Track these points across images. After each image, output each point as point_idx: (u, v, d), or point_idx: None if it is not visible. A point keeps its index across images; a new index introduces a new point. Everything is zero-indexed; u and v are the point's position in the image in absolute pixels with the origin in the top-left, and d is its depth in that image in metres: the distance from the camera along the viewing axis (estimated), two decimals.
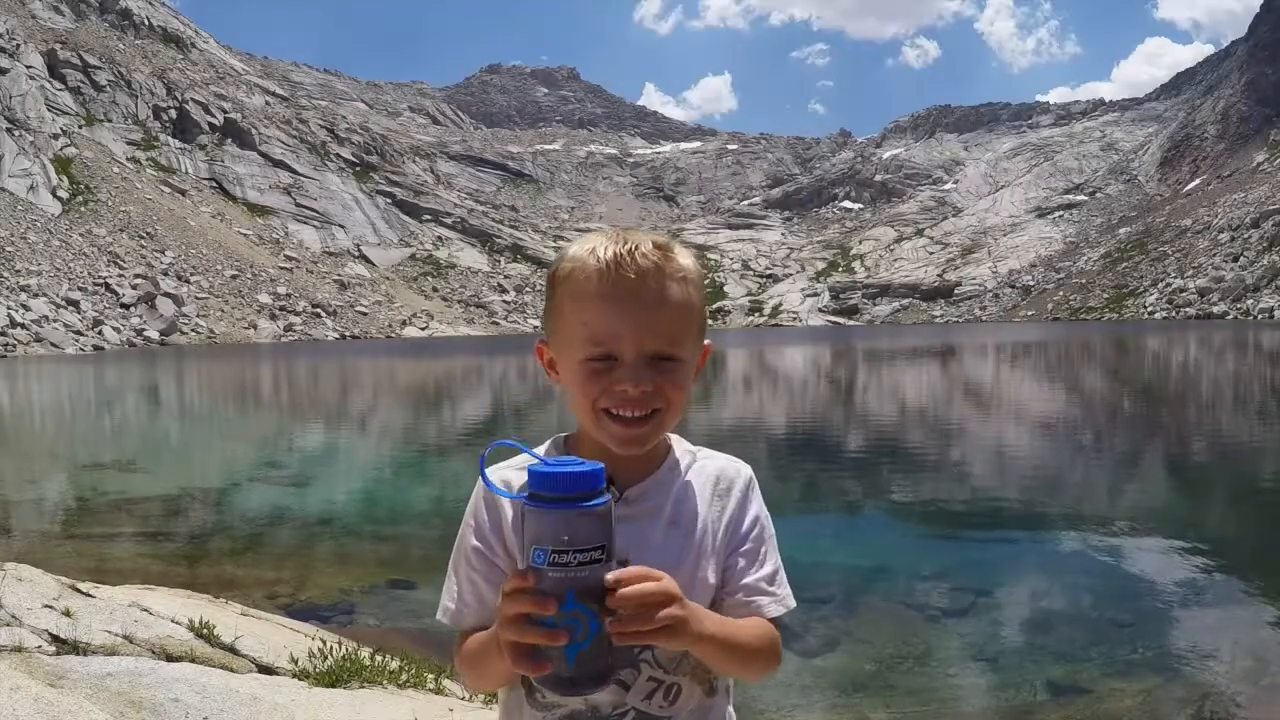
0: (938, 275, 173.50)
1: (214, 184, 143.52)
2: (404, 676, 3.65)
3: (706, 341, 1.20)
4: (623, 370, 1.09)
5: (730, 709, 1.24)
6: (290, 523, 8.93)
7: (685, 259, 1.14)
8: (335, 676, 3.49)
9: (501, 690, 1.21)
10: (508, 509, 1.16)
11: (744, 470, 1.24)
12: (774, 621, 1.18)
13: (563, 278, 1.13)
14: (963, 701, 4.47)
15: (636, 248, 1.10)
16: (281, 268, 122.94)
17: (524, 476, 1.05)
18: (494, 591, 1.14)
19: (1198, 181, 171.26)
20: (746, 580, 1.17)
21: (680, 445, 1.24)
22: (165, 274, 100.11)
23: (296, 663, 3.60)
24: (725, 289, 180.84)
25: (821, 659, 4.97)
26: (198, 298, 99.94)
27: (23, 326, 68.09)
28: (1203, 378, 26.36)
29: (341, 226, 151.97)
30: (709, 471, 1.21)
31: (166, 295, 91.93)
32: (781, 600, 1.19)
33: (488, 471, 1.13)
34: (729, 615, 1.14)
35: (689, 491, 1.19)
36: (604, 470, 0.98)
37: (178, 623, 3.85)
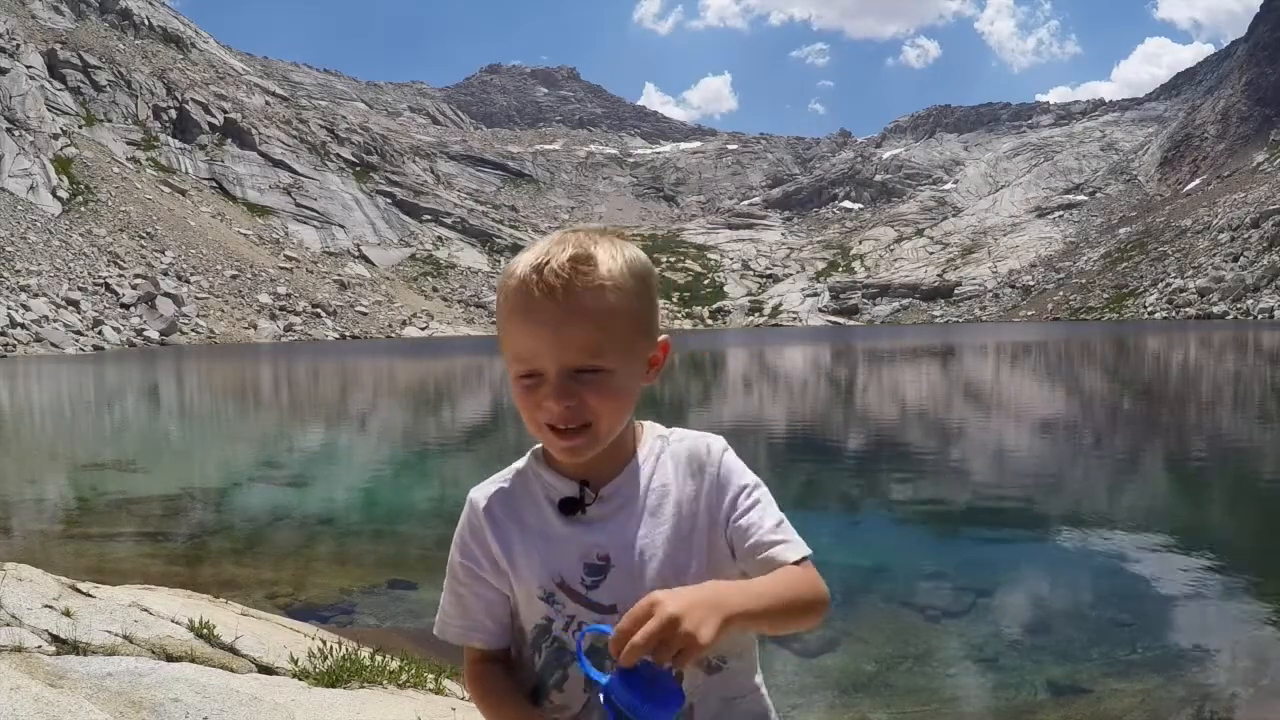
0: (938, 275, 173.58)
1: (214, 184, 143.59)
2: (404, 676, 3.65)
3: (663, 337, 1.19)
4: (547, 387, 1.11)
5: (757, 675, 1.24)
6: (290, 523, 8.93)
7: (607, 264, 1.11)
8: (335, 676, 3.49)
9: None
10: (493, 525, 1.20)
11: (715, 444, 1.24)
12: (807, 564, 1.16)
13: (497, 298, 1.16)
14: (963, 701, 4.47)
15: (548, 264, 1.09)
16: (281, 268, 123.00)
17: (504, 487, 1.20)
18: (480, 604, 1.21)
19: (1198, 181, 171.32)
20: (753, 540, 1.17)
21: (652, 432, 1.26)
22: (165, 274, 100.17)
23: (296, 663, 3.60)
24: (725, 289, 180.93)
25: (821, 659, 4.97)
26: (198, 298, 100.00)
27: (23, 326, 68.13)
28: (1203, 378, 26.35)
29: (341, 226, 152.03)
30: (681, 454, 1.23)
31: (166, 295, 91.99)
32: (795, 545, 1.16)
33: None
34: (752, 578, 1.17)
35: (662, 478, 1.21)
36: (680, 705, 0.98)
37: (178, 623, 3.85)
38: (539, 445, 1.24)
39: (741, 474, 1.21)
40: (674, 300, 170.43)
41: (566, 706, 1.16)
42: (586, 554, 1.16)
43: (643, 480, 1.20)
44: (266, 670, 3.62)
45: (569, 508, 1.17)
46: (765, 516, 1.18)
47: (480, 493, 1.23)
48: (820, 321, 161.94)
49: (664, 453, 1.23)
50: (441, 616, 1.25)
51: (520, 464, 1.25)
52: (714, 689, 1.18)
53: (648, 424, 1.27)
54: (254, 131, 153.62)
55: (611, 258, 1.12)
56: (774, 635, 1.21)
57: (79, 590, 4.21)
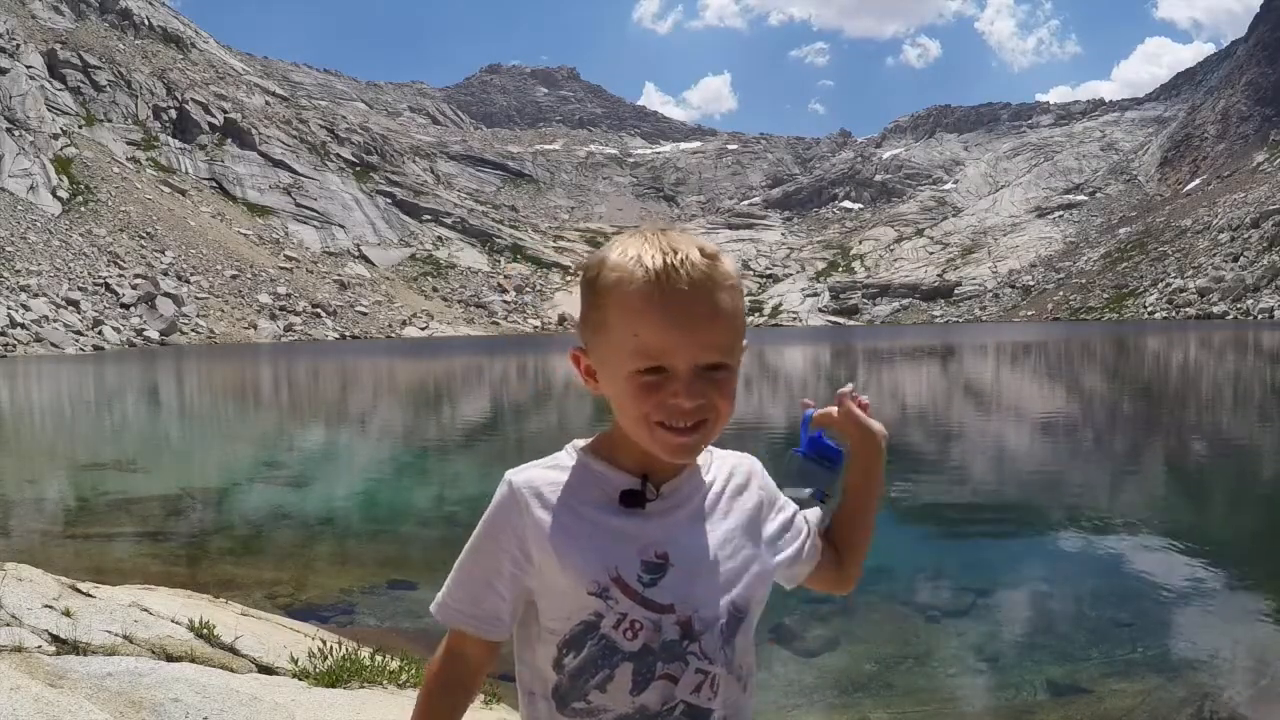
0: (938, 275, 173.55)
1: (214, 184, 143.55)
2: (404, 676, 3.66)
3: (744, 341, 1.21)
4: (677, 384, 1.10)
5: None
6: (290, 523, 8.92)
7: (730, 264, 1.14)
8: (335, 676, 3.49)
9: (523, 703, 1.21)
10: (537, 512, 1.16)
11: (756, 462, 1.31)
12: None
13: (608, 287, 1.11)
14: (963, 701, 4.48)
15: (687, 257, 1.09)
16: (281, 268, 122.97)
17: (551, 475, 1.18)
18: (490, 594, 1.17)
19: (1198, 181, 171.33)
20: (804, 538, 1.31)
21: None
22: (165, 274, 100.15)
23: (296, 663, 3.60)
24: None
25: (821, 659, 4.97)
26: (198, 298, 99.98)
27: (23, 326, 68.10)
28: (1203, 378, 26.36)
29: (341, 226, 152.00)
30: (725, 468, 1.27)
31: (166, 295, 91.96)
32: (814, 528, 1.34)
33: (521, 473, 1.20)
34: (804, 570, 1.32)
35: (718, 486, 1.24)
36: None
37: (178, 623, 3.85)
38: (584, 440, 1.23)
39: (781, 498, 1.32)
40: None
41: (606, 708, 1.13)
42: (644, 551, 1.15)
43: (701, 484, 1.22)
44: (266, 670, 3.62)
45: (631, 500, 1.16)
46: (801, 521, 1.32)
47: (522, 477, 1.18)
48: (820, 321, 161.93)
49: (714, 463, 1.26)
50: (444, 596, 1.21)
51: (564, 457, 1.22)
52: (745, 706, 1.21)
53: None
54: (254, 131, 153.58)
55: (727, 259, 1.15)
56: (858, 526, 1.37)
57: (79, 590, 4.21)
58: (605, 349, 1.14)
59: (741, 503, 1.25)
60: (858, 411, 1.33)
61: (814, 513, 1.34)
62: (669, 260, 1.09)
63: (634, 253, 1.11)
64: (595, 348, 1.16)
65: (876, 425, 1.33)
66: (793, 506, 1.31)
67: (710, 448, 1.26)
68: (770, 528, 1.27)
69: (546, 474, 1.19)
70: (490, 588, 1.17)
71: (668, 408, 1.10)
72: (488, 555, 1.18)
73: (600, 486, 1.18)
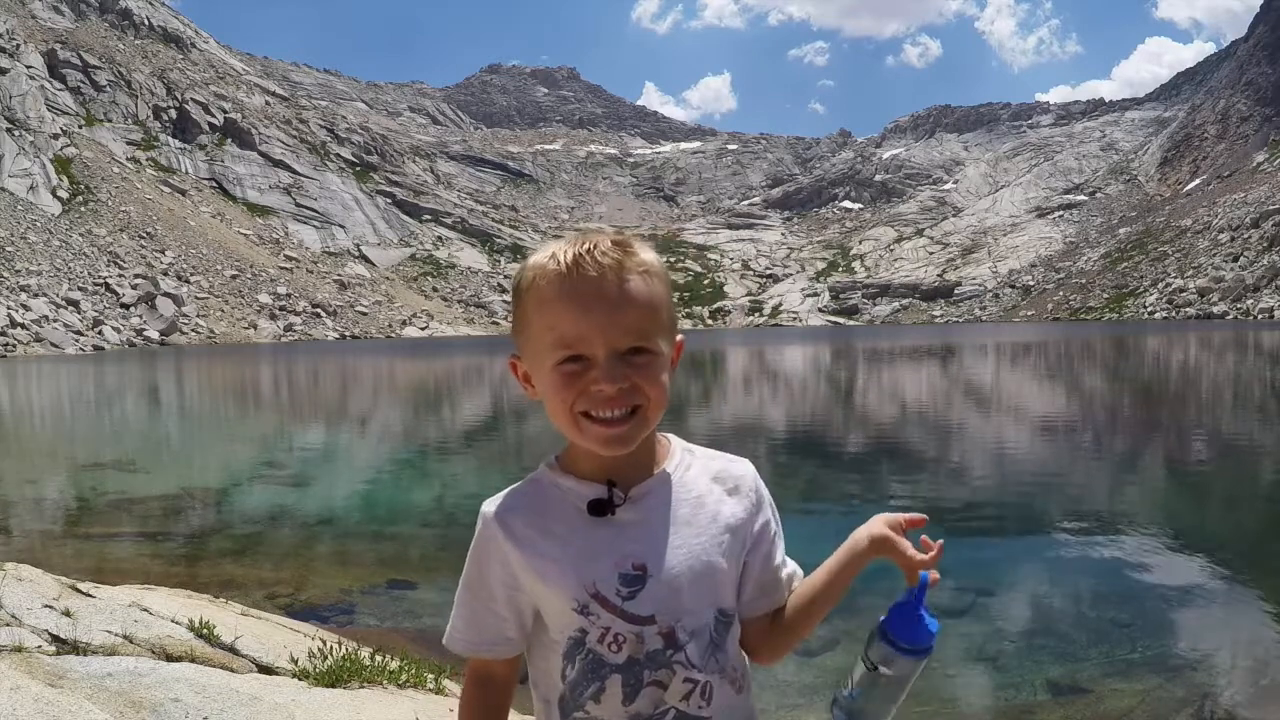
0: (938, 275, 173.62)
1: (214, 184, 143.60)
2: (404, 676, 3.65)
3: (679, 336, 1.20)
4: (597, 370, 1.09)
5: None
6: (290, 523, 8.92)
7: (646, 253, 1.14)
8: (335, 676, 3.49)
9: (539, 708, 1.22)
10: (514, 538, 1.17)
11: (749, 468, 1.27)
12: None
13: (526, 287, 1.13)
14: (963, 701, 4.47)
15: (595, 246, 1.11)
16: (281, 268, 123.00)
17: (522, 499, 1.18)
18: (492, 620, 1.19)
19: (1198, 181, 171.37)
20: (775, 569, 1.26)
21: (678, 444, 1.26)
22: (165, 274, 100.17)
23: (296, 663, 3.60)
24: (725, 289, 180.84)
25: (821, 659, 4.97)
26: (198, 298, 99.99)
27: (23, 326, 68.09)
28: (1202, 378, 26.36)
29: (341, 226, 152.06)
30: (711, 470, 1.24)
31: (166, 295, 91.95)
32: (796, 570, 1.31)
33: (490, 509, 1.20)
34: (757, 607, 1.24)
35: (696, 489, 1.21)
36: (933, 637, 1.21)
37: (178, 623, 3.85)
38: (552, 456, 1.23)
39: (772, 504, 1.28)
40: (674, 300, 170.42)
41: (600, 719, 1.15)
42: (621, 563, 1.14)
43: (675, 488, 1.19)
44: (266, 670, 3.62)
45: (599, 509, 1.15)
46: (781, 548, 1.28)
47: (495, 505, 1.19)
48: (820, 321, 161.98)
49: (693, 466, 1.23)
50: (451, 629, 1.23)
51: (535, 475, 1.22)
52: (741, 709, 1.21)
53: (671, 437, 1.26)
54: (254, 131, 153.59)
55: (644, 248, 1.15)
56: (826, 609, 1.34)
57: (79, 590, 4.20)
58: (530, 347, 1.15)
59: (730, 507, 1.22)
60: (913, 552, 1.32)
61: (793, 566, 1.30)
62: (578, 250, 1.10)
63: (550, 252, 1.13)
64: (524, 350, 1.17)
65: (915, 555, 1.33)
66: (775, 530, 1.27)
67: (692, 448, 1.25)
68: (754, 531, 1.24)
69: (518, 499, 1.19)
70: (490, 612, 1.19)
71: (591, 395, 1.10)
72: (480, 587, 1.19)
73: (569, 500, 1.17)
